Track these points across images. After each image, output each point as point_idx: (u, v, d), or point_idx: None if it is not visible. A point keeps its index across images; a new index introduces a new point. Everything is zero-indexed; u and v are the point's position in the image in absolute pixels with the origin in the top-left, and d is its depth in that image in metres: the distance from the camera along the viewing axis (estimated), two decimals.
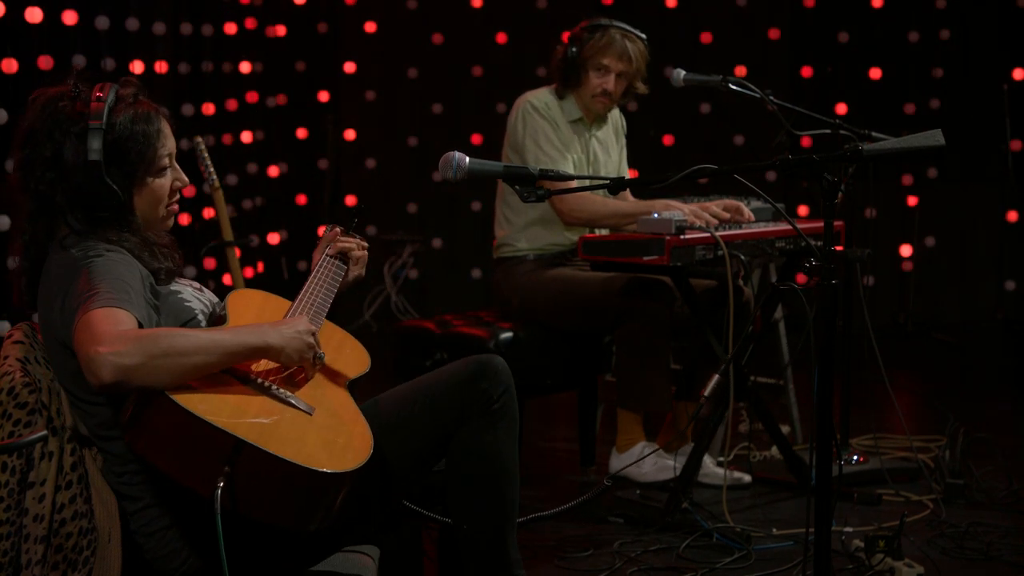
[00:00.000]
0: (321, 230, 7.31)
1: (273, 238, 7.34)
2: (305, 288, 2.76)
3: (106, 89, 2.52)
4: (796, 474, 4.36)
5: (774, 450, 4.71)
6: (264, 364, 2.45)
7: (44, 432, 2.32)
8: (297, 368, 2.49)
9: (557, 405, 5.84)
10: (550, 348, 4.46)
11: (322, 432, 2.37)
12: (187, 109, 6.71)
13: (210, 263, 6.85)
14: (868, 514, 4.12)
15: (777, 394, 5.08)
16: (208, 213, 6.79)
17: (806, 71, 7.61)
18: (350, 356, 2.70)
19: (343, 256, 2.91)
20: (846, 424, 4.59)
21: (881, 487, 4.35)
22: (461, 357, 4.26)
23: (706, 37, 7.64)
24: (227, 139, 7.02)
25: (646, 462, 4.34)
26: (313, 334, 2.47)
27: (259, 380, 2.41)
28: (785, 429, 4.82)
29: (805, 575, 3.34)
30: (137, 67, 6.53)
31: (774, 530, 3.95)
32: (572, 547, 3.88)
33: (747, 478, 4.41)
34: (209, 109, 6.90)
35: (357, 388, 2.63)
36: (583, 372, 4.63)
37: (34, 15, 5.94)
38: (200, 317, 2.56)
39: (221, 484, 2.21)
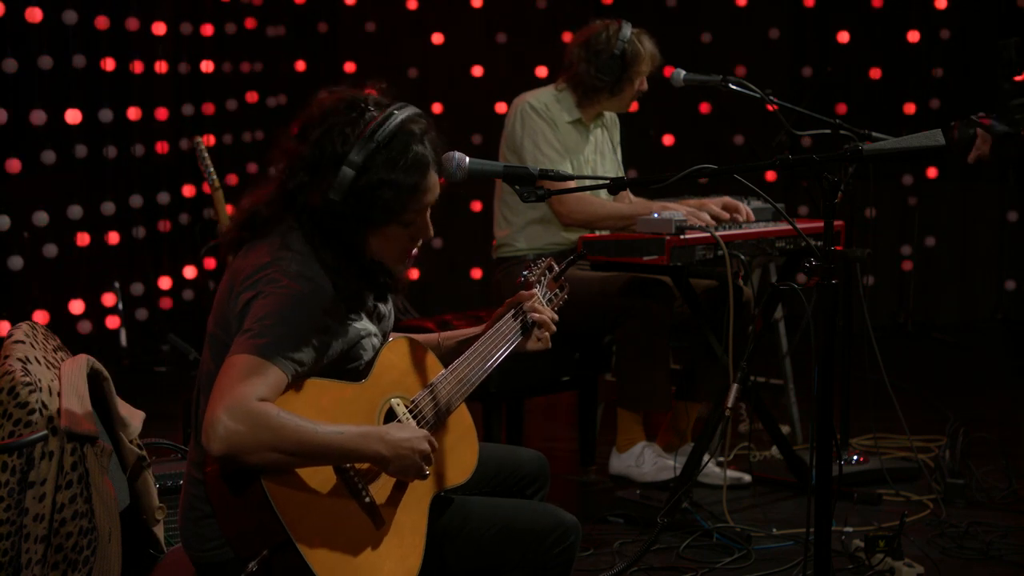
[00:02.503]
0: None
1: None
2: (466, 356, 2.60)
3: (389, 120, 2.38)
4: (796, 474, 4.36)
5: (774, 450, 4.70)
6: None
7: (44, 432, 2.31)
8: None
9: (557, 405, 5.84)
10: (550, 348, 4.45)
11: (371, 556, 2.32)
12: (187, 109, 6.70)
13: (210, 263, 6.85)
14: (868, 514, 4.12)
15: (777, 394, 5.07)
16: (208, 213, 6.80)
17: (806, 71, 7.61)
18: (457, 460, 2.55)
19: (526, 325, 2.74)
20: (846, 424, 4.59)
21: (881, 487, 4.35)
22: None
23: (706, 37, 7.64)
24: (227, 139, 7.02)
25: (646, 462, 4.34)
26: (427, 455, 2.36)
27: (350, 470, 2.34)
28: (785, 429, 4.82)
29: (805, 575, 3.34)
30: (137, 67, 6.53)
31: (774, 530, 3.95)
32: None
33: (747, 478, 4.41)
34: (209, 109, 6.89)
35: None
36: (583, 372, 4.62)
37: (34, 15, 5.94)
38: (363, 369, 2.48)
39: (254, 566, 2.22)
